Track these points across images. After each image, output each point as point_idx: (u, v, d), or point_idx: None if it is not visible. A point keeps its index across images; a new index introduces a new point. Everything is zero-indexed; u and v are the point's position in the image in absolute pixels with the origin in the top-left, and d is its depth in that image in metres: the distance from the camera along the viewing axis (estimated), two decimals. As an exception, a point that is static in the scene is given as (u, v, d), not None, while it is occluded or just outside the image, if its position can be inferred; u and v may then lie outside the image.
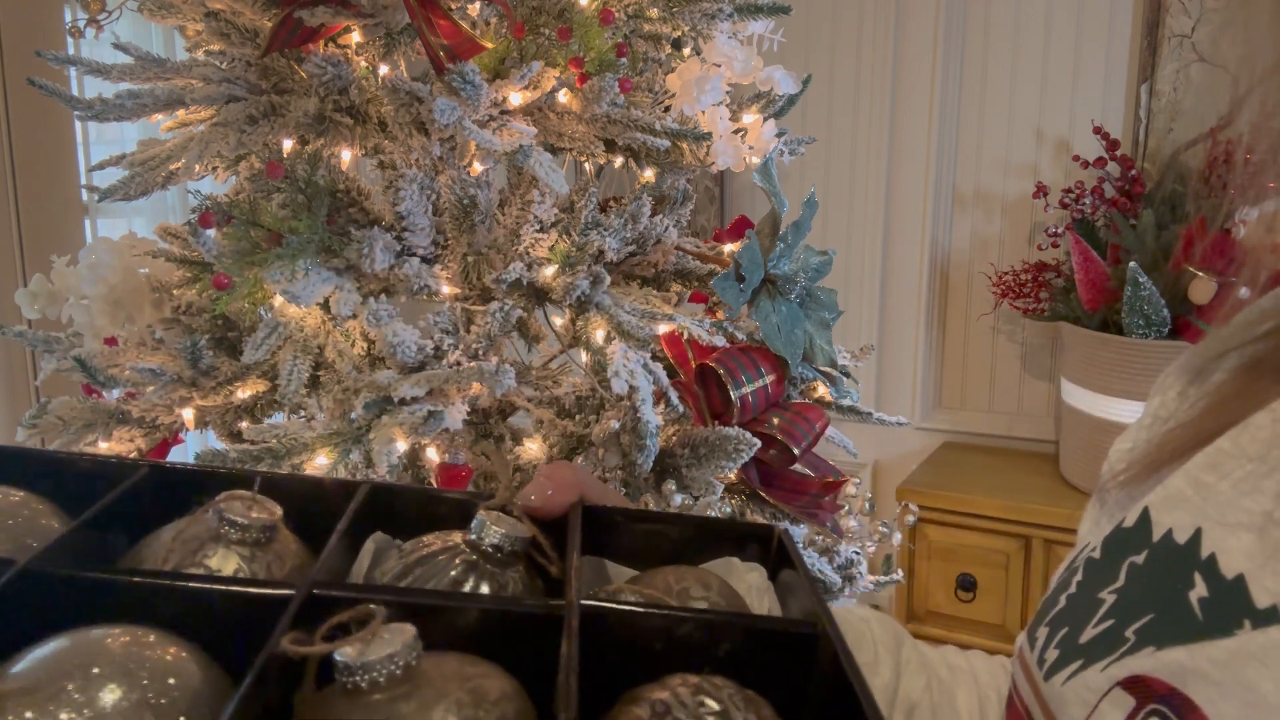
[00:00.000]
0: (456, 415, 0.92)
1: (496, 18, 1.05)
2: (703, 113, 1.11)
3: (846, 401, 1.20)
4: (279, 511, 0.46)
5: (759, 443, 1.00)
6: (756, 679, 0.39)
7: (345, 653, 0.34)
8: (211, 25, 0.94)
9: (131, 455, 1.09)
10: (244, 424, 1.04)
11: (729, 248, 1.18)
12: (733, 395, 1.04)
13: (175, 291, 1.08)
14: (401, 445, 0.91)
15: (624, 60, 1.05)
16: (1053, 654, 0.41)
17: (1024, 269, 2.20)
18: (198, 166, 0.99)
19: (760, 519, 1.14)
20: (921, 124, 2.34)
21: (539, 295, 1.04)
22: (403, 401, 0.90)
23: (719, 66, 1.12)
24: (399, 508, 0.50)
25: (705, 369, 1.07)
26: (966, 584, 2.06)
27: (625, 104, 1.05)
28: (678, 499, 0.99)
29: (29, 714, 0.31)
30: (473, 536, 0.45)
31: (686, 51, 1.17)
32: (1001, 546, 2.01)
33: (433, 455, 1.02)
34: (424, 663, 0.36)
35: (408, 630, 0.36)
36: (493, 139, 0.93)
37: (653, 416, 0.99)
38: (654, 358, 1.06)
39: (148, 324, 1.08)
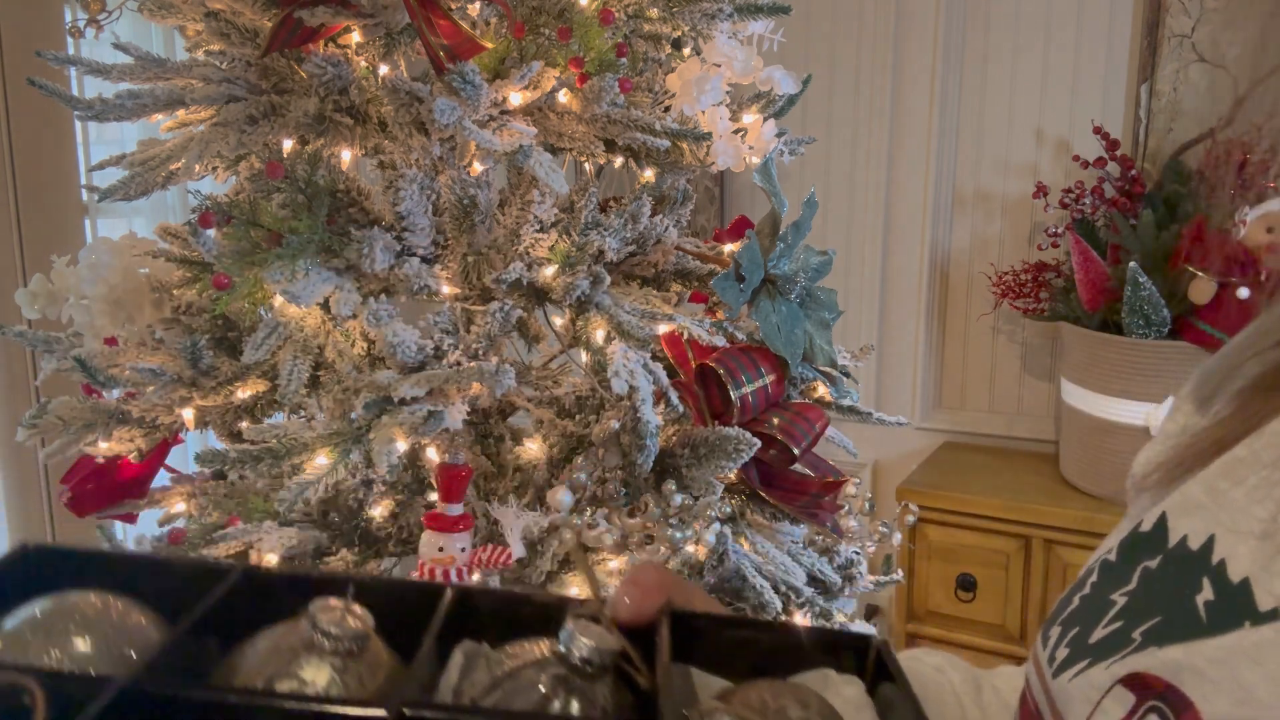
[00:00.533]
0: (456, 415, 0.92)
1: (496, 18, 1.05)
2: (703, 113, 1.11)
3: (846, 401, 1.20)
4: (371, 620, 0.46)
5: (759, 443, 1.00)
6: None
7: None
8: (211, 25, 0.94)
9: (132, 456, 1.09)
10: (244, 424, 1.04)
11: (729, 248, 1.18)
12: (733, 395, 1.04)
13: (175, 291, 1.08)
14: (401, 445, 0.91)
15: (624, 60, 1.05)
16: (1062, 652, 0.42)
17: (1024, 269, 2.20)
18: (198, 166, 0.99)
19: (760, 519, 1.14)
20: (921, 124, 2.34)
21: (539, 295, 1.04)
22: (403, 401, 0.90)
23: (719, 66, 1.13)
24: (485, 611, 0.50)
25: (705, 369, 1.07)
26: (966, 584, 2.06)
27: (625, 104, 1.05)
28: (678, 499, 0.99)
29: None
30: (561, 648, 0.44)
31: (686, 51, 1.17)
32: (1001, 546, 2.01)
33: (433, 455, 1.02)
34: None
35: None
36: (493, 139, 0.93)
37: (653, 416, 0.99)
38: (654, 358, 1.06)
39: (148, 324, 1.08)
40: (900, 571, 1.61)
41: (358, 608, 0.46)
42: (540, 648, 0.45)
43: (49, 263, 1.13)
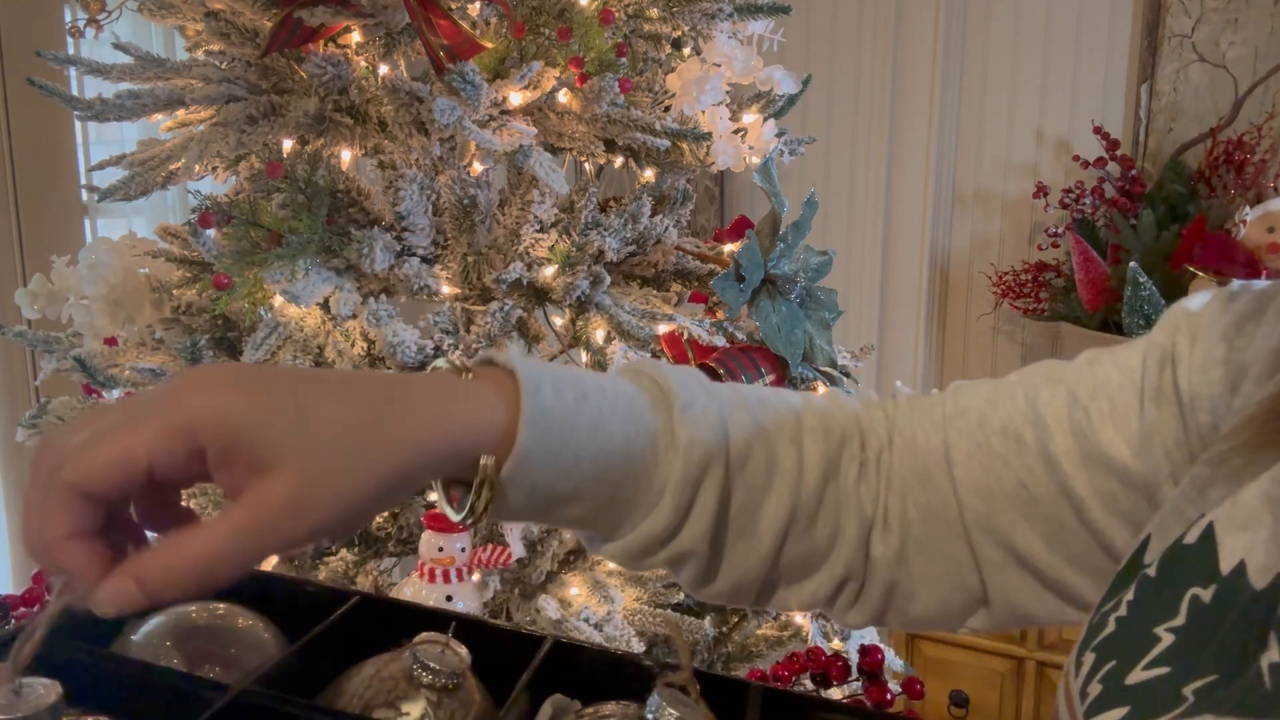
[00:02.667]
0: (456, 415, 0.92)
1: (496, 18, 1.04)
2: (703, 113, 1.11)
3: (846, 401, 1.20)
4: (468, 659, 0.48)
5: (759, 443, 1.00)
6: None
7: None
8: (211, 25, 0.94)
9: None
10: (244, 424, 1.03)
11: (729, 248, 1.18)
12: (733, 395, 1.04)
13: (175, 291, 1.08)
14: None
15: (624, 60, 1.05)
16: (1095, 688, 0.36)
17: (1024, 269, 2.20)
18: (198, 166, 0.99)
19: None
20: (921, 124, 2.34)
21: (539, 295, 1.04)
22: (403, 401, 0.90)
23: (719, 66, 1.12)
24: (581, 666, 0.51)
25: (706, 369, 1.07)
26: (966, 584, 2.06)
27: (625, 104, 1.05)
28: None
29: None
30: (649, 715, 0.44)
31: (686, 51, 1.17)
32: (1001, 546, 2.01)
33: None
34: None
35: None
36: (493, 139, 0.93)
37: (653, 416, 0.99)
38: (654, 357, 1.06)
39: (148, 324, 1.08)
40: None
41: (457, 645, 0.48)
42: (628, 712, 0.45)
43: (49, 263, 1.13)
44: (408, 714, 0.45)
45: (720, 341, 1.07)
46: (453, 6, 0.96)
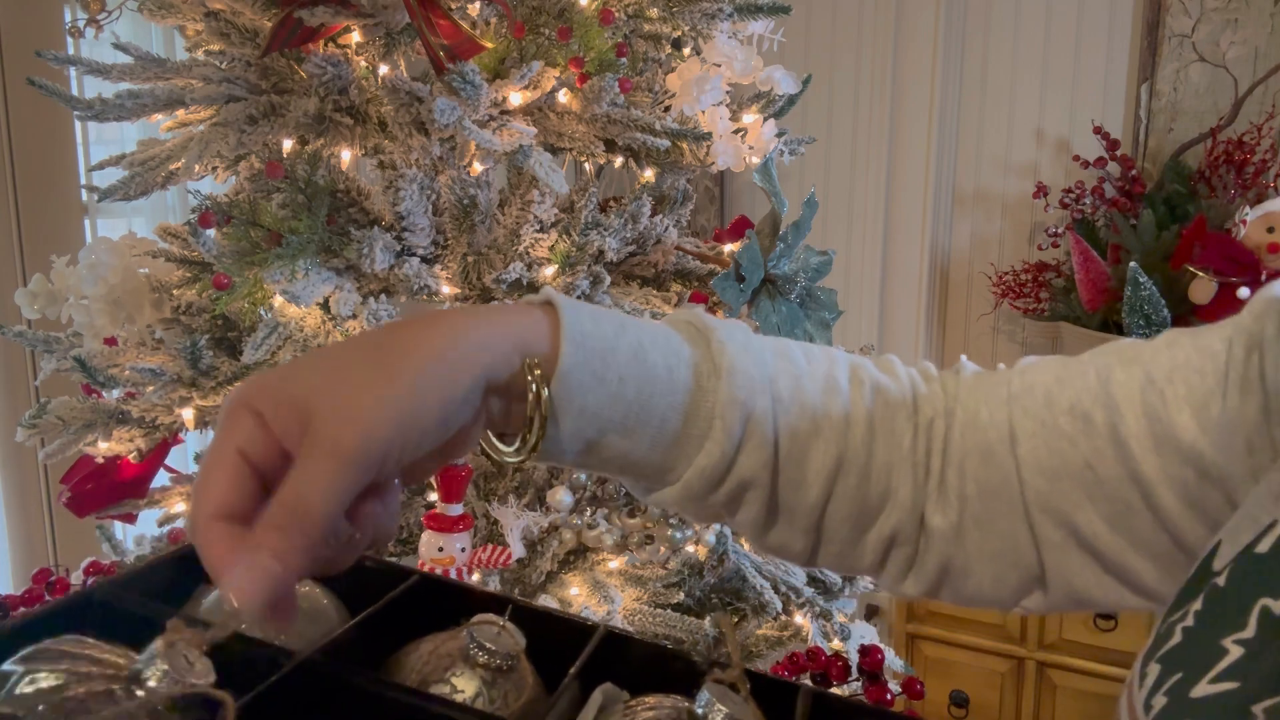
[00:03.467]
0: (456, 415, 0.92)
1: (496, 18, 1.04)
2: (703, 113, 1.10)
3: (846, 401, 1.20)
4: (523, 642, 0.49)
5: (759, 443, 1.00)
6: None
7: None
8: (211, 25, 0.94)
9: (132, 456, 1.09)
10: (244, 424, 1.04)
11: (729, 248, 1.18)
12: (733, 395, 1.04)
13: (175, 291, 1.08)
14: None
15: (624, 60, 1.05)
16: (1160, 701, 0.34)
17: (1024, 269, 2.20)
18: (198, 166, 0.99)
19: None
20: (921, 124, 2.34)
21: (539, 295, 1.04)
22: (403, 401, 0.90)
23: (719, 66, 1.12)
24: (631, 657, 0.52)
25: (705, 369, 1.07)
26: (966, 584, 2.06)
27: (625, 104, 1.05)
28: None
29: None
30: (698, 710, 0.45)
31: (686, 51, 1.17)
32: (1001, 546, 2.02)
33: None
34: None
35: None
36: (493, 139, 0.93)
37: (653, 416, 0.99)
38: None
39: (148, 324, 1.08)
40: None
41: (513, 628, 0.49)
42: (677, 705, 0.46)
43: (49, 263, 1.13)
44: (462, 691, 0.46)
45: (720, 341, 1.07)
46: (453, 6, 0.96)
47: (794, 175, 2.49)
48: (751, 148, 1.15)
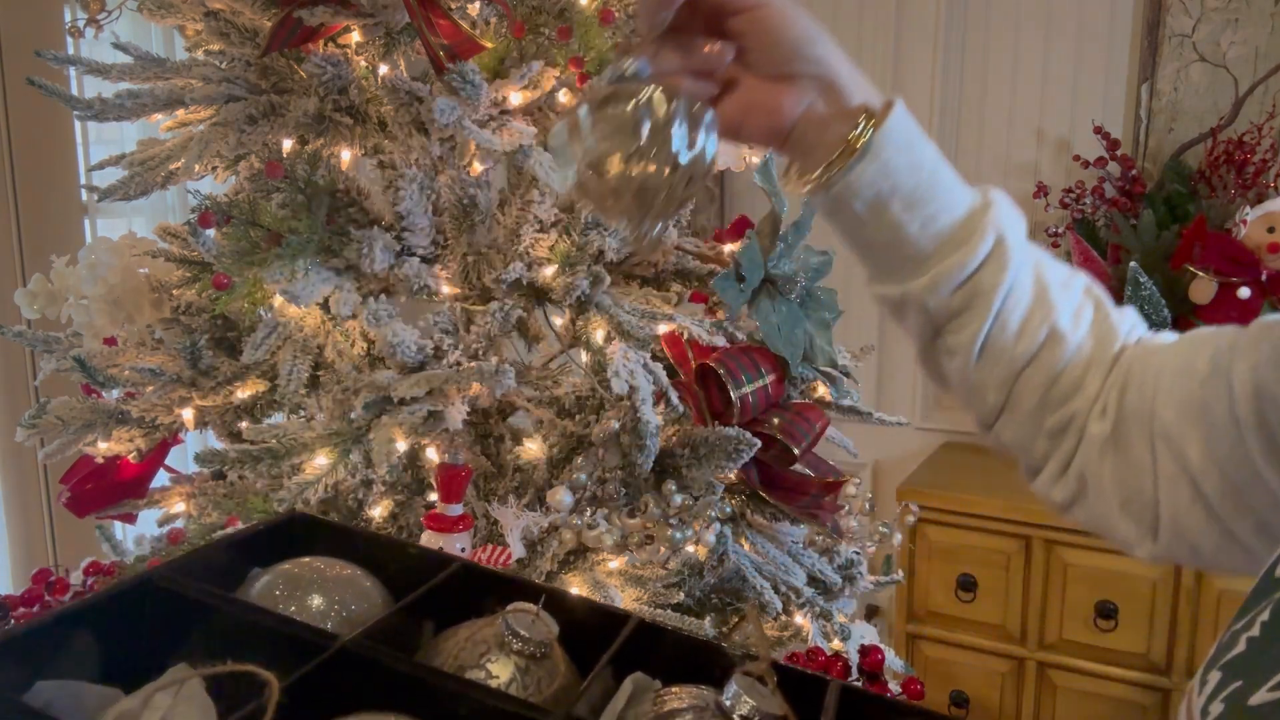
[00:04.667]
0: (456, 415, 0.92)
1: (496, 18, 1.04)
2: (703, 113, 1.10)
3: (846, 401, 1.20)
4: (556, 630, 0.51)
5: (759, 443, 1.00)
6: None
7: None
8: (211, 25, 0.94)
9: (132, 456, 1.09)
10: (244, 424, 1.04)
11: (729, 248, 1.18)
12: (733, 395, 1.04)
13: (175, 291, 1.08)
14: (401, 445, 0.91)
15: (624, 60, 1.05)
16: (1216, 708, 0.35)
17: (1024, 269, 2.20)
18: (198, 166, 0.99)
19: (761, 519, 1.14)
20: (921, 124, 2.33)
21: (539, 295, 1.04)
22: (402, 401, 0.90)
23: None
24: (662, 647, 0.54)
25: (705, 369, 1.07)
26: (966, 584, 2.06)
27: (625, 104, 1.05)
28: (677, 499, 0.99)
29: None
30: (726, 701, 0.46)
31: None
32: (1001, 546, 2.01)
33: (432, 455, 1.02)
34: None
35: None
36: (493, 139, 0.93)
37: (652, 416, 0.99)
38: (654, 358, 1.06)
39: (147, 324, 1.08)
40: (900, 572, 1.61)
41: (547, 616, 0.51)
42: (706, 696, 0.47)
43: (49, 263, 1.13)
44: (497, 677, 0.48)
45: (720, 341, 1.07)
46: (453, 6, 0.96)
47: (794, 175, 2.49)
48: (751, 147, 1.15)
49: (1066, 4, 2.20)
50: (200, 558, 0.53)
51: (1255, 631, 0.36)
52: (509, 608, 0.51)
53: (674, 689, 0.49)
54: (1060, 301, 0.55)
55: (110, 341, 1.08)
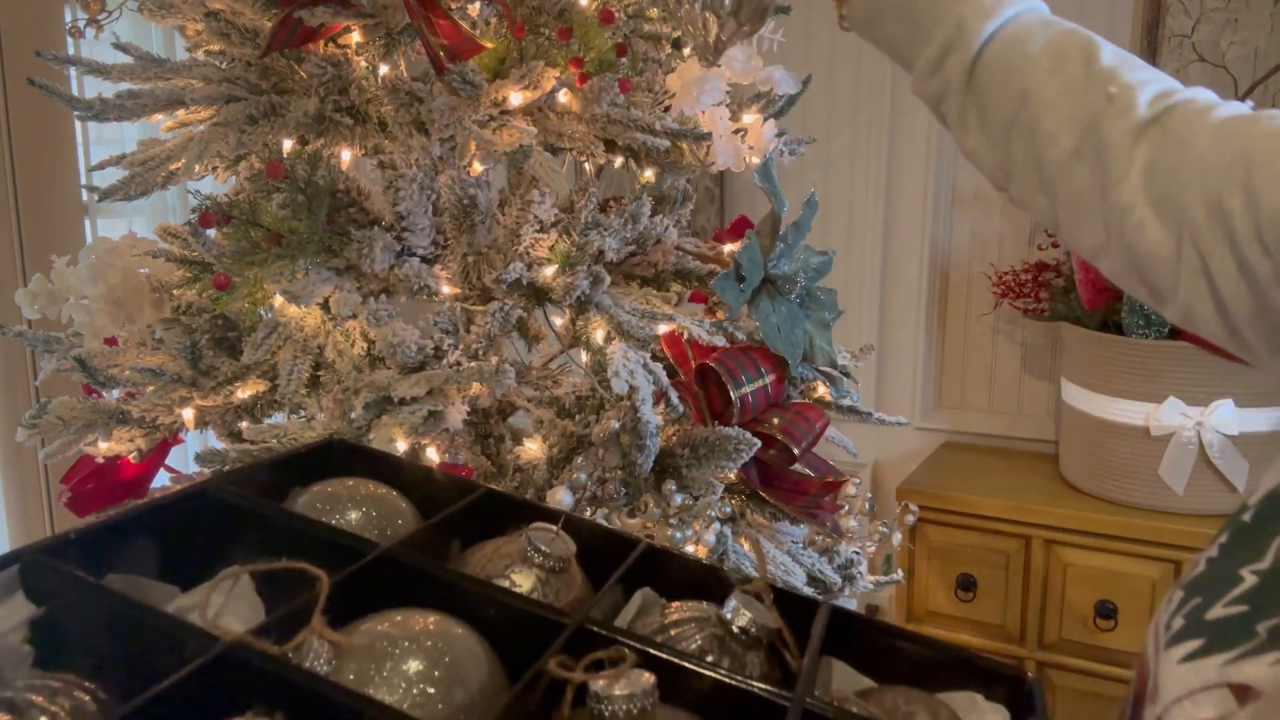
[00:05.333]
0: (456, 415, 0.92)
1: (496, 18, 1.04)
2: (703, 113, 1.10)
3: (846, 401, 1.20)
4: (574, 548, 0.55)
5: (759, 442, 1.00)
6: None
7: (598, 684, 0.42)
8: (211, 25, 0.94)
9: (132, 456, 1.09)
10: (244, 424, 1.04)
11: (729, 248, 1.18)
12: (733, 395, 1.04)
13: (175, 291, 1.08)
14: (402, 445, 0.91)
15: (624, 60, 1.05)
16: (1178, 622, 0.38)
17: (1024, 269, 2.20)
18: (198, 166, 0.99)
19: (760, 519, 1.14)
20: (921, 124, 2.33)
21: (539, 295, 1.04)
22: (402, 401, 0.90)
23: (719, 66, 1.12)
24: (667, 569, 0.58)
25: (705, 369, 1.07)
26: (966, 584, 2.06)
27: (625, 104, 1.05)
28: (678, 499, 0.99)
29: (358, 664, 0.42)
30: (726, 614, 0.51)
31: (686, 51, 1.17)
32: (1001, 546, 2.01)
33: (433, 455, 1.02)
34: (659, 711, 0.43)
35: (649, 680, 0.43)
36: (493, 139, 0.93)
37: (652, 416, 0.99)
38: (654, 358, 1.06)
39: (148, 324, 1.08)
40: (900, 571, 1.61)
41: (565, 535, 0.56)
42: (709, 611, 0.52)
43: (49, 263, 1.13)
44: (520, 586, 0.52)
45: (720, 341, 1.07)
46: (453, 6, 0.96)
47: (794, 175, 2.49)
48: (751, 148, 1.15)
49: (1066, 4, 2.20)
50: (247, 475, 0.57)
51: (1214, 553, 0.40)
52: (531, 527, 0.55)
53: (679, 603, 0.53)
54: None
55: (111, 341, 1.08)
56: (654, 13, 1.11)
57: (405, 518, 0.58)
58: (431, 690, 0.42)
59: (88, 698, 0.39)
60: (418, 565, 0.50)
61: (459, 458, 1.01)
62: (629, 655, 0.44)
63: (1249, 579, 0.36)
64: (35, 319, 1.17)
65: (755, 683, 0.47)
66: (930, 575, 2.11)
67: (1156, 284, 0.54)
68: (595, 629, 0.48)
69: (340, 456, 0.65)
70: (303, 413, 1.10)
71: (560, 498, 0.98)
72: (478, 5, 1.03)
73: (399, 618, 0.45)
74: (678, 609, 0.53)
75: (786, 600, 0.53)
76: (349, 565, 0.48)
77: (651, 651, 0.47)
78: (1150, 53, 2.11)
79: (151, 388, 1.02)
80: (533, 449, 1.04)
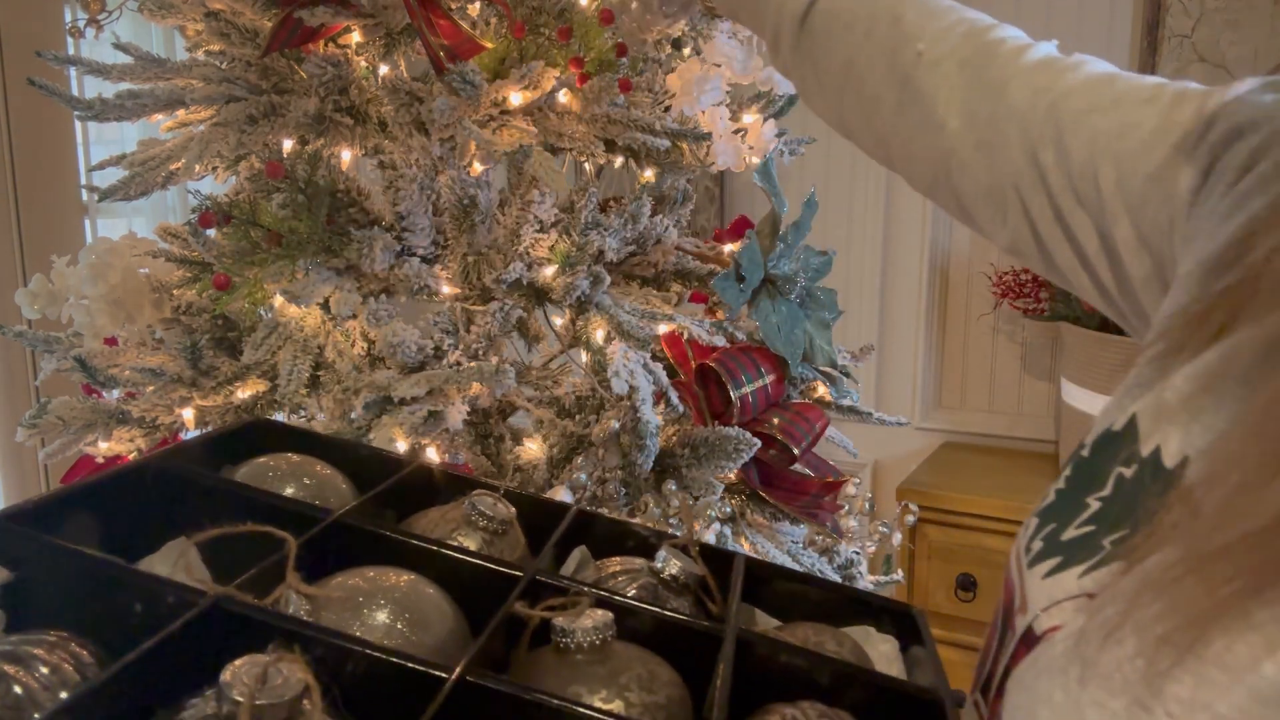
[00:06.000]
0: (456, 415, 0.92)
1: (496, 18, 1.04)
2: (703, 113, 1.10)
3: (846, 401, 1.20)
4: (514, 512, 0.58)
5: (759, 443, 1.00)
6: None
7: (561, 620, 0.46)
8: (211, 25, 0.94)
9: (132, 456, 1.09)
10: (244, 424, 1.03)
11: (729, 248, 1.18)
12: (733, 395, 1.04)
13: (175, 291, 1.08)
14: (402, 445, 0.91)
15: (624, 60, 1.05)
16: (1037, 545, 0.43)
17: (1024, 269, 2.20)
18: (198, 166, 0.99)
19: (760, 519, 1.14)
20: (921, 124, 2.34)
21: (539, 295, 1.04)
22: (403, 401, 0.90)
23: (719, 66, 1.12)
24: (596, 531, 0.62)
25: (705, 369, 1.07)
26: (966, 584, 2.06)
27: (625, 104, 1.05)
28: (677, 499, 0.99)
29: (335, 615, 0.44)
30: (657, 565, 0.55)
31: (686, 51, 1.17)
32: (1001, 546, 2.01)
33: (433, 455, 1.02)
34: (615, 644, 0.46)
35: (608, 615, 0.46)
36: (493, 139, 0.93)
37: (652, 416, 0.99)
38: (654, 358, 1.06)
39: (148, 324, 1.08)
40: (900, 571, 1.61)
41: (505, 501, 0.59)
42: (639, 564, 0.57)
43: (49, 263, 1.13)
44: (466, 544, 0.55)
45: (720, 341, 1.07)
46: (453, 6, 0.96)
47: (794, 175, 2.49)
48: (751, 148, 1.15)
49: (1066, 4, 2.20)
50: (179, 454, 0.58)
51: (1061, 485, 0.45)
52: (473, 493, 0.58)
53: (614, 559, 0.58)
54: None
55: (111, 341, 1.08)
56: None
57: (341, 491, 0.59)
58: (408, 633, 0.45)
59: (85, 651, 0.40)
60: (375, 531, 0.52)
61: (459, 458, 1.01)
62: (585, 598, 0.48)
63: (1093, 504, 0.42)
64: (35, 319, 1.17)
65: (693, 619, 0.53)
66: (930, 575, 2.11)
67: (985, 224, 0.58)
68: (547, 580, 0.52)
69: (266, 436, 0.65)
70: (303, 413, 1.10)
71: (560, 498, 0.98)
72: (478, 5, 1.03)
73: (371, 573, 0.48)
74: (612, 563, 0.57)
75: (708, 553, 0.59)
76: (303, 532, 0.49)
77: (602, 593, 0.51)
78: (1150, 53, 2.11)
79: (151, 388, 1.02)
80: (533, 449, 1.04)
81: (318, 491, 0.58)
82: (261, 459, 0.59)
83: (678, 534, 0.60)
